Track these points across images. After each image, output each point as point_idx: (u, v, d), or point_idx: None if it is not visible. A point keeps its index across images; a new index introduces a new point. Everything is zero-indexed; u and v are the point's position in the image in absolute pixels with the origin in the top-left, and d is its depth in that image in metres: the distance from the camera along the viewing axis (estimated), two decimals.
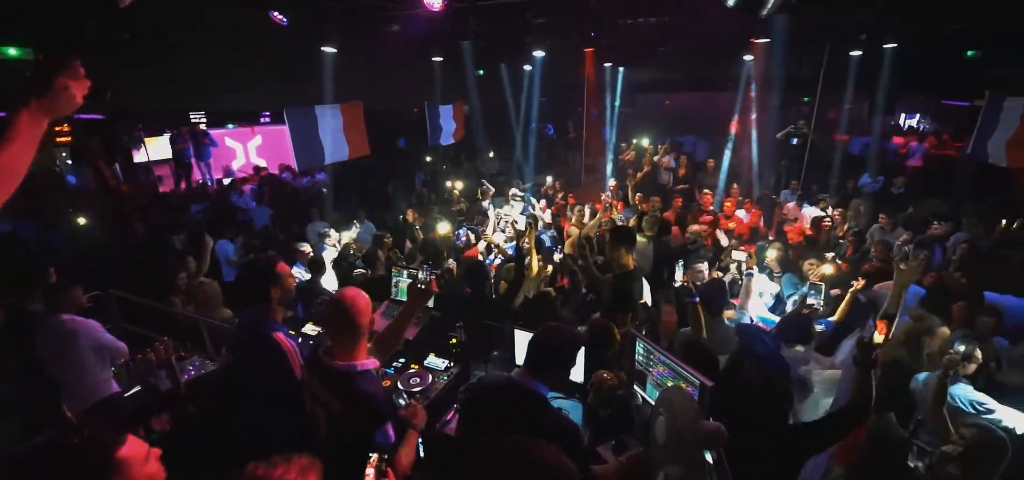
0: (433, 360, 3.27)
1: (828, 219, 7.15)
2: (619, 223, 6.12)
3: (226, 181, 11.19)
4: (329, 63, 7.50)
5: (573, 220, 6.79)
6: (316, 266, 4.89)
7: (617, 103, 13.27)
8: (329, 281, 5.43)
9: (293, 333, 2.51)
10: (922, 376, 3.25)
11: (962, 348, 3.22)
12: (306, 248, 5.21)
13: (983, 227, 6.62)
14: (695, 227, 6.25)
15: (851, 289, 4.36)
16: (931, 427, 3.03)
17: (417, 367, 3.19)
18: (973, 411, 3.09)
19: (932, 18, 6.72)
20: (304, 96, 7.09)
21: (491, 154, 13.54)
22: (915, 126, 13.84)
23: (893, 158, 11.29)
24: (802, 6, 5.63)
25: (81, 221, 6.81)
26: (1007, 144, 5.64)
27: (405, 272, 3.84)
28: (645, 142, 11.08)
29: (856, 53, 8.51)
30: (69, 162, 9.60)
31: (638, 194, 7.55)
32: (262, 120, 13.24)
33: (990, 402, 3.13)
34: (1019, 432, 3.03)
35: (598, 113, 12.67)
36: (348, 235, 6.29)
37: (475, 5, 5.89)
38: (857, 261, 5.85)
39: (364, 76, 10.96)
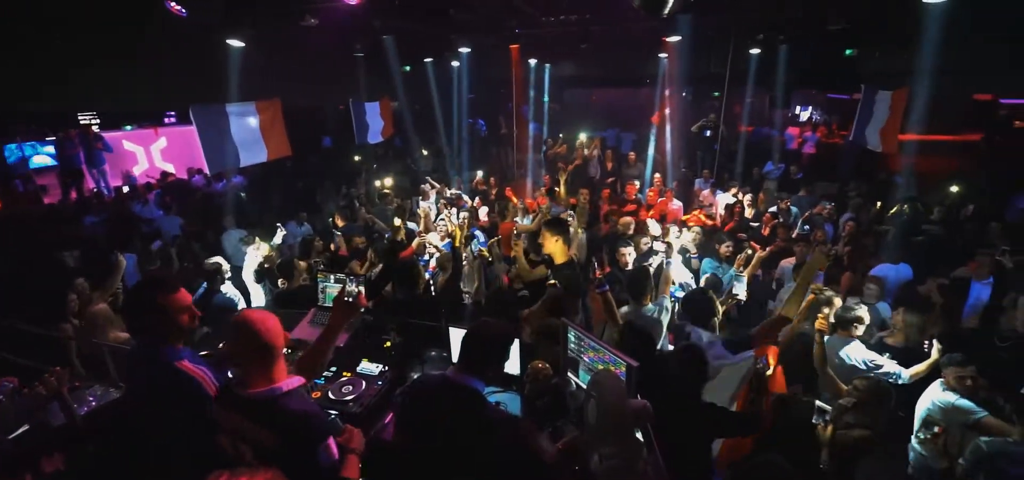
0: (366, 366, 3.19)
1: (739, 203, 7.78)
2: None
3: (126, 189, 10.17)
4: (240, 58, 7.00)
5: (510, 217, 6.84)
6: (210, 275, 4.48)
7: (546, 99, 13.56)
8: (258, 298, 5.10)
9: (205, 354, 2.20)
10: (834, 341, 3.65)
11: (849, 312, 3.66)
12: (219, 261, 4.73)
13: (862, 204, 7.52)
14: (627, 219, 6.56)
15: (751, 262, 4.76)
16: (823, 385, 3.42)
17: (349, 375, 3.09)
18: (865, 368, 3.51)
19: (815, 19, 7.50)
20: (214, 94, 6.58)
21: (424, 152, 13.34)
22: (808, 117, 15.34)
23: (790, 147, 12.48)
24: (702, 7, 6.07)
25: None
26: (880, 132, 6.41)
27: (332, 278, 3.69)
28: (583, 137, 11.46)
29: (755, 51, 9.31)
30: None
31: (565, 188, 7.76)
32: (166, 120, 12.14)
33: (879, 358, 3.57)
34: (902, 381, 3.50)
35: (528, 109, 12.87)
36: (268, 245, 5.92)
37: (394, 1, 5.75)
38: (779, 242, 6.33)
39: (282, 72, 10.38)
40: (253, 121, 6.35)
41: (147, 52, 8.85)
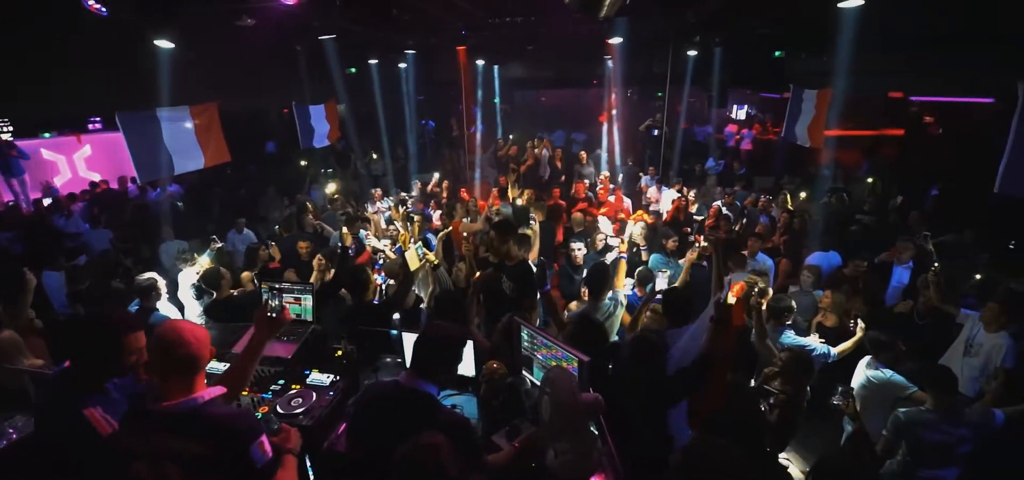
0: (317, 376, 3.10)
1: (683, 198, 8.13)
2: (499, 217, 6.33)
3: (47, 201, 9.36)
4: (171, 60, 6.60)
5: (459, 217, 6.84)
6: (144, 292, 4.18)
7: (496, 100, 13.61)
8: (194, 314, 4.82)
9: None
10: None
11: (780, 302, 3.94)
12: (153, 277, 4.39)
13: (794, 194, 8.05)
14: (577, 215, 6.72)
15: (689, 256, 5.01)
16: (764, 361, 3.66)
17: (298, 387, 3.00)
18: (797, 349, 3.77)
19: (745, 23, 7.95)
20: (145, 98, 6.17)
21: (375, 156, 13.05)
22: (745, 116, 16.22)
23: (730, 144, 13.17)
24: (637, 10, 6.30)
25: None
26: (808, 128, 6.89)
27: (271, 289, 3.56)
28: (544, 138, 11.60)
29: (692, 53, 9.77)
30: None
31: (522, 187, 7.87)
32: (91, 127, 11.27)
33: (809, 341, 3.84)
34: (832, 358, 3.78)
35: (478, 110, 12.89)
36: (206, 258, 5.62)
37: (333, 1, 5.58)
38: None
39: (220, 75, 9.90)
40: (188, 126, 6.02)
41: (66, 54, 8.21)
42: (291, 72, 10.65)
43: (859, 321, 3.93)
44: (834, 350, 3.82)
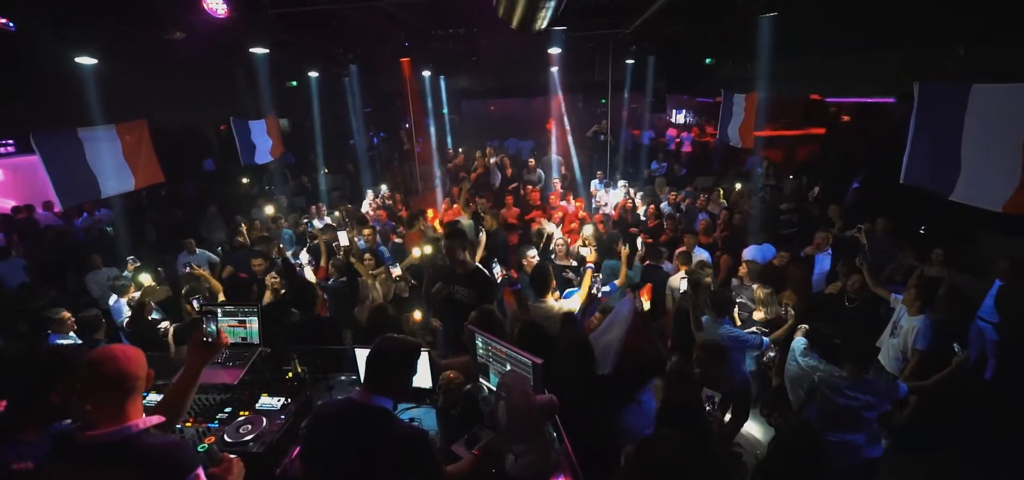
0: (267, 400, 3.01)
1: (630, 201, 8.44)
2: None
3: None
4: (94, 77, 6.19)
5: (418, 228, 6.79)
6: (88, 325, 4.01)
7: (445, 110, 13.61)
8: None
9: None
10: (705, 317, 4.12)
11: (721, 296, 4.20)
12: (64, 315, 4.15)
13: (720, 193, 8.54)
14: (537, 224, 6.87)
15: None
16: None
17: (247, 413, 2.90)
18: (732, 341, 4.00)
19: (673, 31, 8.39)
20: (63, 117, 5.73)
21: (325, 170, 12.70)
22: (683, 120, 17.02)
23: (671, 147, 13.79)
24: (572, 21, 6.51)
25: None
26: (739, 129, 7.34)
27: (219, 313, 3.40)
28: (492, 146, 11.68)
29: (630, 62, 10.19)
30: None
31: (473, 195, 7.93)
32: (2, 150, 10.32)
33: (745, 333, 4.10)
34: (767, 345, 4.06)
35: (426, 121, 12.84)
36: (147, 280, 5.32)
37: (267, 14, 5.40)
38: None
39: (149, 91, 9.33)
40: (115, 146, 5.66)
41: None
42: (228, 86, 10.22)
43: (790, 309, 4.25)
44: (767, 338, 4.11)
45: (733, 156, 10.47)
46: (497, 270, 5.10)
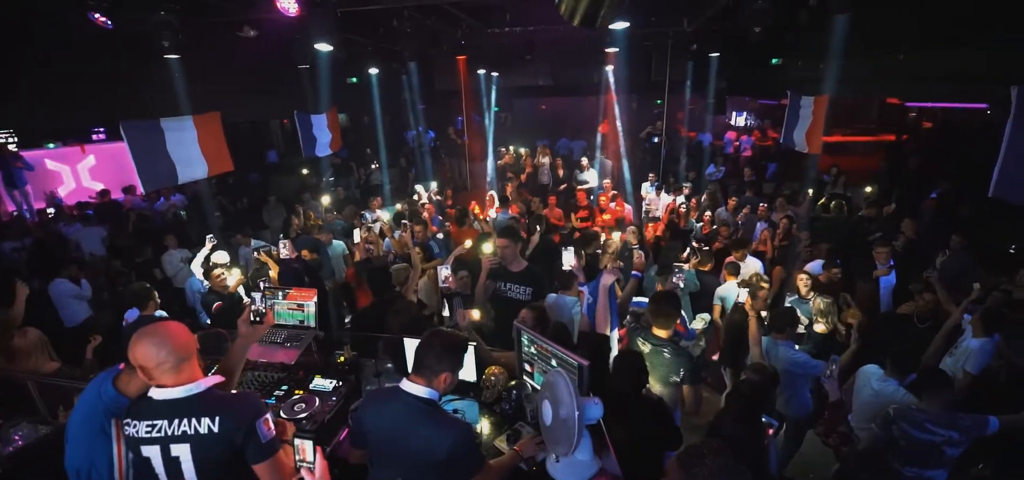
0: (320, 382, 3.13)
1: (683, 205, 8.16)
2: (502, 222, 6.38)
3: (51, 211, 9.44)
4: (172, 71, 6.68)
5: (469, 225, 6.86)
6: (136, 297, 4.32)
7: (495, 108, 13.70)
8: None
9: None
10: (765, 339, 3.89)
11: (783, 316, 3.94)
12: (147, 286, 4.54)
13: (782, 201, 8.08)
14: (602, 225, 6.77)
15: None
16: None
17: (301, 392, 3.03)
18: (793, 366, 3.74)
19: (740, 30, 8.02)
20: (146, 108, 6.24)
21: (375, 165, 13.14)
22: (743, 122, 16.31)
23: (728, 150, 13.23)
24: (635, 18, 6.35)
25: None
26: (806, 134, 6.92)
27: (280, 295, 3.58)
28: (523, 149, 11.66)
29: (690, 61, 9.85)
30: None
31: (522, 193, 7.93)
32: (95, 138, 11.35)
33: (807, 359, 3.74)
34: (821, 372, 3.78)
35: (479, 119, 12.97)
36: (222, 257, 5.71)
37: (337, 10, 5.62)
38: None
39: (220, 85, 9.96)
40: (191, 136, 6.07)
41: (71, 66, 8.29)
42: (292, 82, 10.74)
43: (854, 331, 3.95)
44: (829, 365, 3.81)
45: (796, 162, 9.90)
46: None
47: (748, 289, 4.19)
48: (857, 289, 4.95)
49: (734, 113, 16.24)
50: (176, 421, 1.75)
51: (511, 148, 12.09)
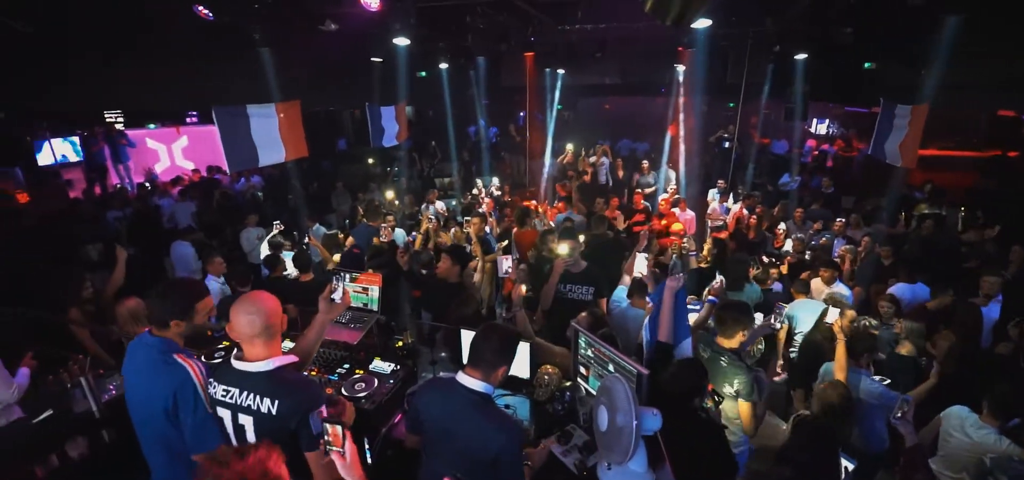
0: (379, 364, 3.23)
1: (754, 216, 7.72)
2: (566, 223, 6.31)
3: (148, 185, 10.43)
4: (260, 60, 7.16)
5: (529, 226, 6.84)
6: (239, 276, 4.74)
7: (558, 106, 13.58)
8: None
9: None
10: (832, 365, 3.60)
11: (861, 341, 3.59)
12: (218, 260, 5.06)
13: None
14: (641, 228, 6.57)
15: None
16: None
17: (362, 372, 3.15)
18: (870, 398, 3.43)
19: (833, 31, 7.44)
20: (234, 94, 6.73)
21: (437, 156, 13.48)
22: (826, 130, 15.19)
23: (806, 160, 12.36)
24: (720, 16, 6.08)
25: None
26: (900, 146, 6.33)
27: (347, 277, 3.74)
28: (602, 145, 11.51)
29: (771, 64, 9.27)
30: None
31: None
32: (188, 120, 12.42)
33: (884, 390, 3.43)
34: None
35: (541, 116, 12.91)
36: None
37: (414, 6, 5.81)
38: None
39: (300, 75, 10.56)
40: (272, 122, 6.47)
41: (171, 54, 9.08)
42: (364, 74, 11.18)
43: (934, 365, 3.55)
44: (909, 396, 3.45)
45: (883, 176, 9.09)
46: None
47: (839, 308, 3.83)
48: (955, 318, 4.46)
49: (815, 120, 15.18)
50: (245, 393, 1.87)
51: (570, 146, 11.92)
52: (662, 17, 4.72)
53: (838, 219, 7.29)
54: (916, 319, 4.17)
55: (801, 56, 8.57)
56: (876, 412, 3.40)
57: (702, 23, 6.33)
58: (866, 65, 9.15)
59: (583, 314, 3.22)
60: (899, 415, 3.06)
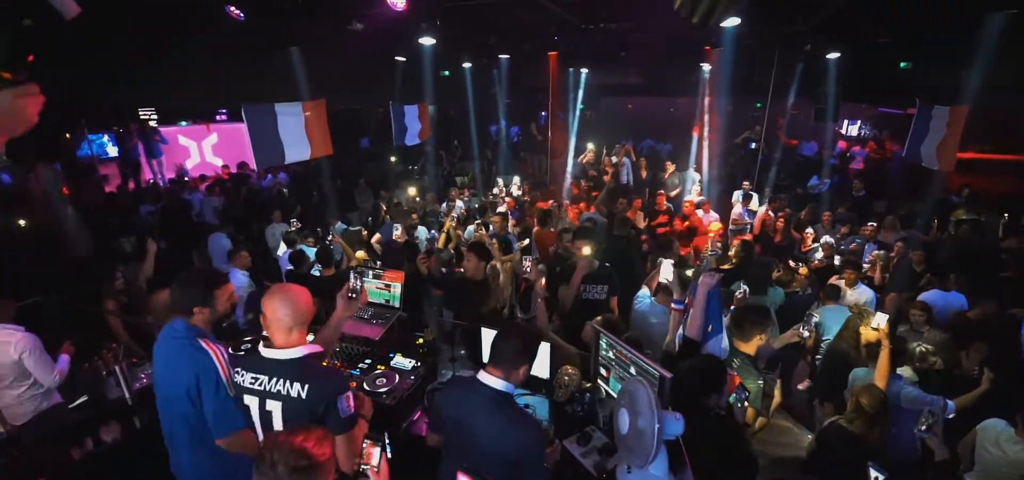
0: (400, 360, 3.26)
1: (780, 219, 7.53)
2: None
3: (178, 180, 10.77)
4: (288, 60, 7.32)
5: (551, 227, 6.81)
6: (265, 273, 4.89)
7: (581, 106, 13.50)
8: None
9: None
10: (862, 372, 3.49)
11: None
12: (244, 255, 5.16)
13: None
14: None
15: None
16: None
17: (383, 368, 3.18)
18: (907, 405, 3.31)
19: (868, 31, 7.20)
20: (262, 93, 6.87)
21: (459, 154, 13.55)
22: (857, 132, 14.74)
23: (836, 161, 12.00)
24: (750, 14, 5.94)
25: (19, 222, 6.39)
26: (937, 149, 6.11)
27: (370, 273, 3.78)
28: (624, 145, 11.39)
29: (802, 63, 9.02)
30: (4, 157, 8.97)
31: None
32: (218, 118, 12.76)
33: (924, 396, 3.32)
34: (951, 414, 3.30)
35: (563, 116, 12.85)
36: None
37: (440, 6, 5.85)
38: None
39: (325, 74, 10.69)
40: (299, 120, 6.60)
41: (202, 53, 9.32)
42: (388, 73, 11.30)
43: (986, 371, 3.40)
44: (952, 403, 3.31)
45: (918, 180, 8.76)
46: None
47: (867, 316, 3.71)
48: (988, 328, 4.27)
49: (846, 121, 14.74)
50: (275, 379, 1.93)
51: (590, 146, 11.83)
52: (690, 14, 4.67)
53: (869, 223, 7.07)
54: (953, 328, 4.01)
55: (833, 55, 8.33)
56: (907, 416, 3.29)
57: (730, 22, 6.21)
58: (902, 65, 8.83)
59: (598, 318, 3.20)
60: (924, 428, 2.96)
